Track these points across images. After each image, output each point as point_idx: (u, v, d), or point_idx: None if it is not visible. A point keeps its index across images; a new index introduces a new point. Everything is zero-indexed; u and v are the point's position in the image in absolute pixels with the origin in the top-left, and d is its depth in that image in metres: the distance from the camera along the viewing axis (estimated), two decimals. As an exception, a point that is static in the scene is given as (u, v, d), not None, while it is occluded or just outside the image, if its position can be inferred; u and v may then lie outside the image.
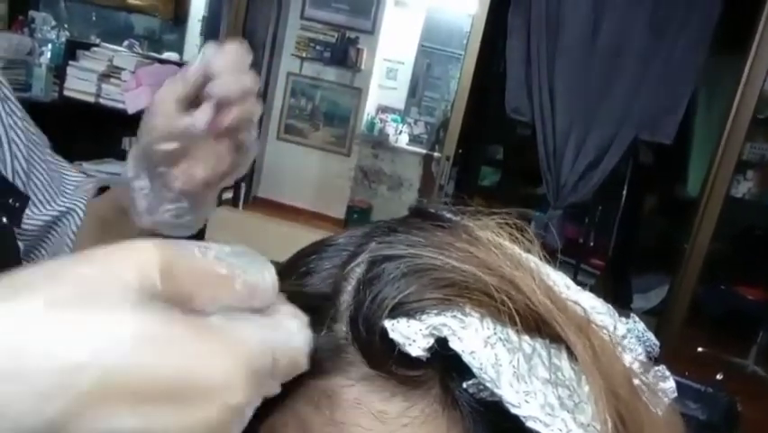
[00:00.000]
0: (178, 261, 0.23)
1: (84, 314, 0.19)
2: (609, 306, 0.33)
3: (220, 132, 0.52)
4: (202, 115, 0.50)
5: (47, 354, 0.18)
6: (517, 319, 0.27)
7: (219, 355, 0.21)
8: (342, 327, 0.29)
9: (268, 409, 0.30)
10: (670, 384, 0.33)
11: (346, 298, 0.30)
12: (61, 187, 0.65)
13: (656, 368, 0.33)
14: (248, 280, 0.25)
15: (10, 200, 0.57)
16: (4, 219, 0.55)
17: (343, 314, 0.29)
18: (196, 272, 0.23)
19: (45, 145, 0.66)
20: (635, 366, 0.32)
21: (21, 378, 0.18)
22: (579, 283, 0.34)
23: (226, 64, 0.50)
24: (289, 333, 0.25)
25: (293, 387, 0.29)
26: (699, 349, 3.63)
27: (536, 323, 0.28)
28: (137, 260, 0.22)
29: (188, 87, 0.51)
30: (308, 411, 0.28)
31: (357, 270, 0.31)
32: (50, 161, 0.65)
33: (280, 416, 0.29)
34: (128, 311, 0.20)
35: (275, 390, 0.25)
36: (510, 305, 0.27)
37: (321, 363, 0.29)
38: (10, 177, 0.58)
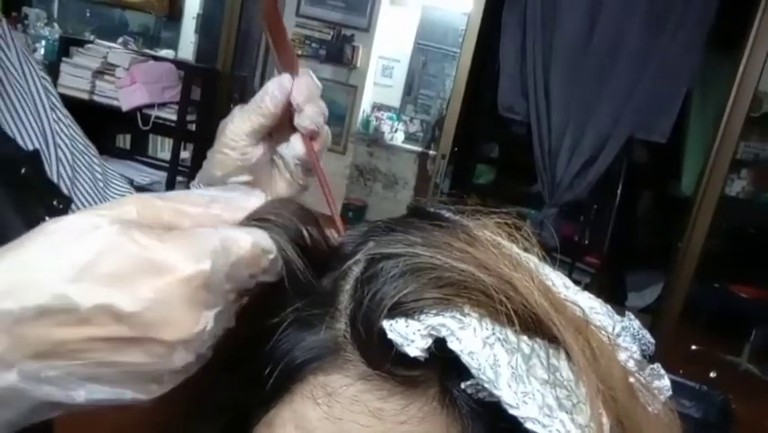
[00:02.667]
0: (156, 200, 0.29)
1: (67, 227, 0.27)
2: (608, 306, 0.33)
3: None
4: (301, 147, 0.51)
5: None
6: (515, 320, 0.27)
7: (162, 242, 0.26)
8: (341, 326, 0.29)
9: (265, 403, 0.30)
10: (665, 382, 0.33)
11: (345, 296, 0.30)
12: (105, 198, 0.66)
13: (651, 366, 0.33)
14: (230, 204, 0.31)
15: (54, 201, 0.58)
16: (47, 218, 0.56)
17: (342, 312, 0.29)
18: (173, 205, 0.29)
19: (93, 155, 0.68)
20: (631, 364, 0.32)
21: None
22: (574, 281, 0.34)
23: (309, 94, 0.50)
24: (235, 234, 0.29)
25: (292, 382, 0.29)
26: (693, 347, 3.65)
27: (534, 323, 0.27)
28: (120, 203, 0.28)
29: (263, 119, 0.50)
30: (306, 406, 0.28)
31: (355, 268, 0.30)
32: (95, 171, 0.67)
33: (278, 411, 0.29)
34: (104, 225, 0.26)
35: (246, 282, 0.28)
36: (508, 305, 0.27)
37: (320, 359, 0.28)
38: (55, 179, 0.60)
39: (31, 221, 0.54)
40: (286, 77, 0.50)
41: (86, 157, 0.66)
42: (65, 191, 0.61)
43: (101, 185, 0.67)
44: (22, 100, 0.60)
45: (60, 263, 0.25)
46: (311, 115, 0.50)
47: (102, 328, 0.25)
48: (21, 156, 0.56)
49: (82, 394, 0.25)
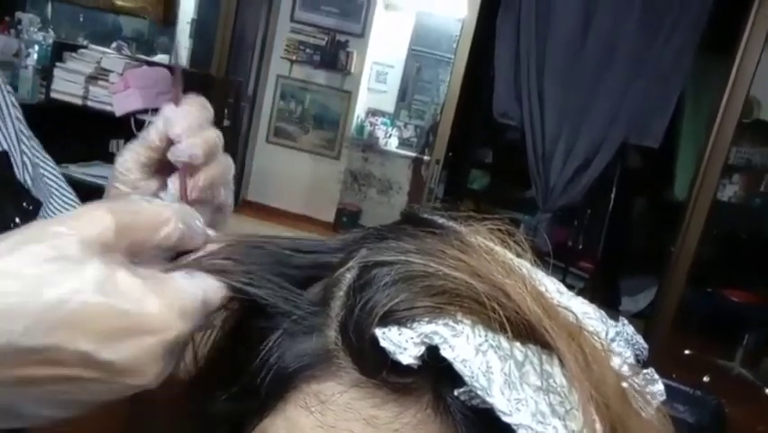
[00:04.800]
0: (128, 216, 0.30)
1: (56, 264, 0.26)
2: (602, 312, 0.33)
3: (193, 198, 0.47)
4: (171, 185, 0.46)
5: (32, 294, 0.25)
6: (508, 327, 0.27)
7: (156, 299, 0.28)
8: (333, 333, 0.29)
9: (259, 412, 0.30)
10: (658, 387, 0.33)
11: (337, 303, 0.30)
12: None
13: (645, 371, 0.33)
14: (187, 223, 0.33)
15: (24, 203, 0.59)
16: (18, 219, 0.57)
17: (334, 320, 0.29)
18: (145, 221, 0.31)
19: (50, 168, 0.68)
20: (624, 369, 0.32)
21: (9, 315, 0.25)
22: (568, 286, 0.34)
23: (187, 125, 0.45)
24: (209, 284, 0.31)
25: (285, 391, 0.29)
26: (687, 352, 3.66)
27: (527, 330, 0.27)
28: (96, 221, 0.29)
29: (150, 152, 0.47)
30: (299, 414, 0.28)
31: (347, 275, 0.30)
32: (49, 185, 0.67)
33: (272, 420, 0.29)
34: (90, 263, 0.27)
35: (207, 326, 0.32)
36: (501, 312, 0.27)
37: (313, 367, 0.28)
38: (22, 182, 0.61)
39: (2, 221, 0.55)
40: (169, 106, 0.46)
41: (42, 170, 0.67)
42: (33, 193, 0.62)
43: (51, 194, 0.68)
44: None
45: (47, 301, 0.26)
46: (184, 147, 0.45)
47: (73, 370, 0.26)
48: None
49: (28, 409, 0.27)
